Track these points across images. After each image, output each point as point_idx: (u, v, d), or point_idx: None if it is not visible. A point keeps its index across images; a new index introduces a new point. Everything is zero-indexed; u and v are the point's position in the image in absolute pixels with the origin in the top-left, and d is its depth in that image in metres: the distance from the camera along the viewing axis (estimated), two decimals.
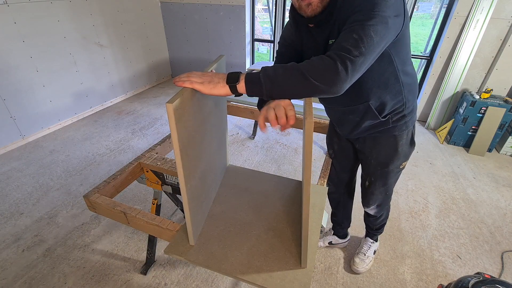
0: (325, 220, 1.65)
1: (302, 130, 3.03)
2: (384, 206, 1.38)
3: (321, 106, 2.28)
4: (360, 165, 1.33)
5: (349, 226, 1.65)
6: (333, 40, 0.83)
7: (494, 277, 1.01)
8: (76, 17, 2.87)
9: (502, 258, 1.66)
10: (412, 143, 1.12)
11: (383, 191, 1.26)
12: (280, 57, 1.01)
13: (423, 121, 3.26)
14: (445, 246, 1.73)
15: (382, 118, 1.00)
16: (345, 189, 1.45)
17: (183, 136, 0.66)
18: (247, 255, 0.83)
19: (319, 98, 1.12)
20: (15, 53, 2.43)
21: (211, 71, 0.78)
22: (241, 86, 0.69)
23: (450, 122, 2.88)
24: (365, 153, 1.17)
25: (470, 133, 2.73)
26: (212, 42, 3.88)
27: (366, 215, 1.49)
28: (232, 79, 0.69)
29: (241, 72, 0.71)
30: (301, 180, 1.23)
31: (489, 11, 2.52)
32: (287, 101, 0.74)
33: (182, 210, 1.73)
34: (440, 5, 4.53)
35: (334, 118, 1.17)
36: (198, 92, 0.71)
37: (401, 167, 1.17)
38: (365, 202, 1.36)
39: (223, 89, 0.70)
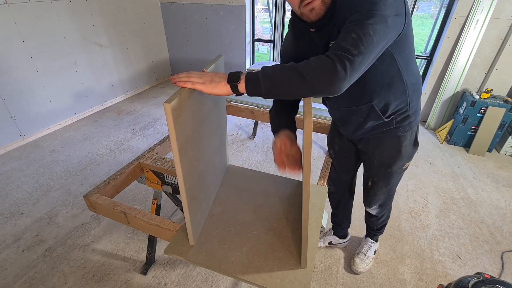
0: (325, 220, 1.65)
1: (301, 130, 3.03)
2: (386, 206, 1.38)
3: (322, 106, 2.29)
4: (360, 165, 1.33)
5: (349, 226, 1.65)
6: (333, 42, 0.83)
7: (494, 277, 1.01)
8: (76, 17, 2.87)
9: (502, 258, 1.66)
10: (415, 144, 1.11)
11: (386, 192, 1.26)
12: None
13: (423, 121, 3.26)
14: (445, 246, 1.73)
15: (385, 118, 0.99)
16: (346, 189, 1.45)
17: (181, 136, 0.66)
18: (247, 255, 0.83)
19: (322, 98, 1.13)
20: (15, 53, 2.43)
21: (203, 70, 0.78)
22: (241, 86, 0.70)
23: (450, 122, 2.88)
24: (368, 153, 1.16)
25: (470, 133, 2.73)
26: (212, 42, 3.88)
27: (368, 215, 1.49)
28: (233, 79, 0.69)
29: (241, 72, 0.71)
30: (301, 180, 1.23)
31: (489, 11, 2.52)
32: (298, 152, 0.90)
33: (182, 210, 1.73)
34: (440, 5, 4.53)
35: (337, 118, 1.16)
36: (196, 91, 0.71)
37: (404, 167, 1.16)
38: (367, 202, 1.35)
39: (225, 88, 0.70)
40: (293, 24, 0.94)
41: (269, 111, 1.08)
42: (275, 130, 1.01)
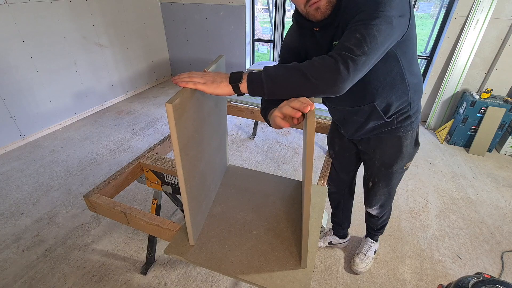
0: (325, 220, 1.65)
1: (302, 130, 3.03)
2: (387, 206, 1.38)
3: (322, 106, 2.29)
4: (361, 165, 1.33)
5: (349, 226, 1.65)
6: (337, 42, 0.82)
7: (494, 277, 1.01)
8: (76, 17, 2.87)
9: (502, 258, 1.66)
10: (416, 144, 1.11)
11: (386, 192, 1.26)
12: (283, 62, 1.00)
13: (423, 121, 3.26)
14: (445, 246, 1.73)
15: (387, 118, 0.99)
16: (346, 189, 1.45)
17: (183, 136, 0.65)
18: (247, 255, 0.83)
19: (323, 98, 1.13)
20: (15, 53, 2.43)
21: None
22: (243, 86, 0.69)
23: (450, 122, 2.88)
24: (369, 153, 1.16)
25: (470, 133, 2.73)
26: (212, 42, 3.88)
27: (368, 215, 1.49)
28: (234, 79, 0.69)
29: (243, 72, 0.71)
30: (301, 180, 1.23)
31: (489, 11, 2.52)
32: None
33: (182, 210, 1.73)
34: (440, 5, 4.53)
35: (337, 118, 1.16)
36: (197, 91, 0.71)
37: (405, 167, 1.16)
38: (368, 203, 1.35)
39: (226, 88, 0.70)
40: (297, 21, 0.92)
41: (260, 110, 0.99)
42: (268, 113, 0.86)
